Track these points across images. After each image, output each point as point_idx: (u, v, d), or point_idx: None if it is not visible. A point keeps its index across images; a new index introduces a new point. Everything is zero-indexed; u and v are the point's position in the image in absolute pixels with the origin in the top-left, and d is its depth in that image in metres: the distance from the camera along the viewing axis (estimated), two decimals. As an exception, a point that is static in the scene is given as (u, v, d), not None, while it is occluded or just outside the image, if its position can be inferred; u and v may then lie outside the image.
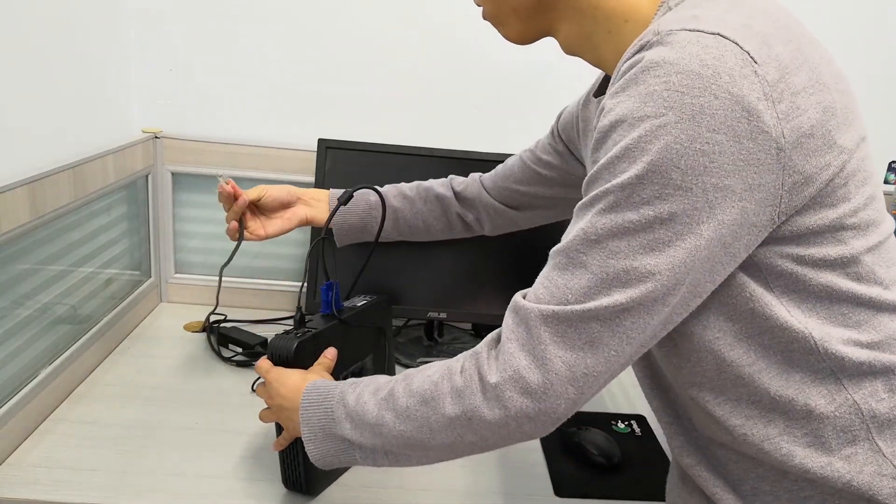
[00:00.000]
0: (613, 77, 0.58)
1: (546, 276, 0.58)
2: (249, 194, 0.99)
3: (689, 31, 0.52)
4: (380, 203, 1.03)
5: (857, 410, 0.57)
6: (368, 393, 0.68)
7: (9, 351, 0.92)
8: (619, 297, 0.54)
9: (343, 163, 1.25)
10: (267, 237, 1.01)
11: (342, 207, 1.02)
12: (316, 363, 0.84)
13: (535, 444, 1.03)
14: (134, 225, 1.30)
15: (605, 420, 1.10)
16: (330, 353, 0.86)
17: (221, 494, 0.86)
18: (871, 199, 0.57)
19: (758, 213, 0.53)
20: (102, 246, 1.17)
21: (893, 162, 1.28)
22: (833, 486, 0.58)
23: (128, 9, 1.27)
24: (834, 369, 0.57)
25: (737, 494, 0.64)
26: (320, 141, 1.25)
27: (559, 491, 0.93)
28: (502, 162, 1.06)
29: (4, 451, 0.89)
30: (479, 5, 0.74)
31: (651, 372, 0.72)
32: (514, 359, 0.57)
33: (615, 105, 0.54)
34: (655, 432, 1.08)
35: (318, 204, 1.05)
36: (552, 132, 0.97)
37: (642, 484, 0.96)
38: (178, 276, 1.41)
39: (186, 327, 1.30)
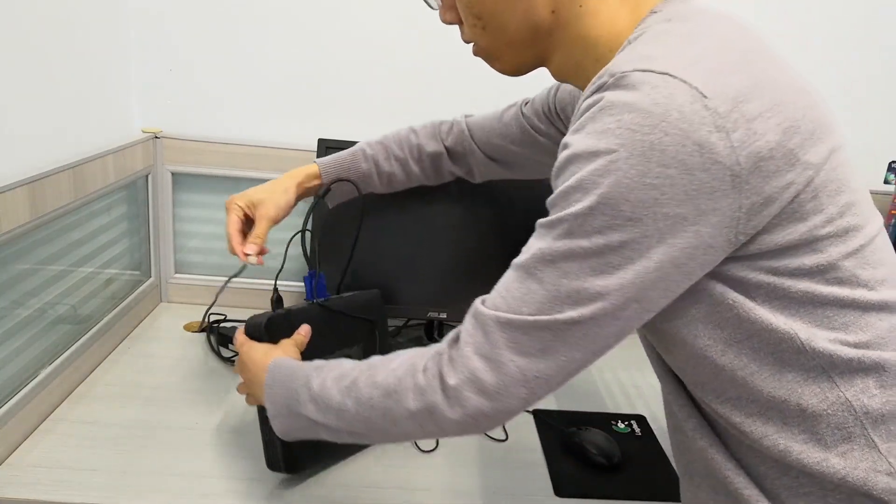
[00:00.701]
0: (574, 114, 0.61)
1: (505, 287, 0.62)
2: (260, 233, 0.97)
3: (641, 71, 0.55)
4: (371, 172, 1.04)
5: (849, 408, 0.58)
6: (331, 379, 0.71)
7: (9, 351, 0.92)
8: (570, 313, 0.57)
9: (343, 163, 1.25)
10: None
11: (337, 168, 1.03)
12: (287, 339, 0.87)
13: (536, 444, 1.03)
14: (134, 225, 1.30)
15: (605, 420, 1.10)
16: (303, 330, 0.89)
17: (221, 495, 0.86)
18: (848, 206, 0.58)
19: (714, 236, 0.55)
20: (102, 246, 1.17)
21: (893, 162, 1.28)
22: (830, 481, 0.58)
23: (128, 8, 1.26)
24: (825, 367, 0.58)
25: (749, 479, 0.64)
26: (320, 141, 1.25)
27: (559, 491, 0.93)
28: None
29: (4, 451, 0.89)
30: (467, 41, 0.75)
31: (664, 362, 0.72)
32: (471, 361, 0.61)
33: (573, 141, 0.57)
34: (656, 432, 1.08)
35: (310, 175, 1.04)
36: (551, 108, 0.96)
37: (642, 484, 0.96)
38: (178, 276, 1.41)
39: (186, 327, 1.30)
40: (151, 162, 1.31)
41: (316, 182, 1.04)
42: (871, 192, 1.40)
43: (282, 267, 1.02)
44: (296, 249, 1.41)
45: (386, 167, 1.05)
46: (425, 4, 0.77)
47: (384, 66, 1.33)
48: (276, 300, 0.94)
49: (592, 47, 0.67)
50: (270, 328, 0.87)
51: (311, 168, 1.04)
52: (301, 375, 0.74)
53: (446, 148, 1.06)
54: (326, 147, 1.25)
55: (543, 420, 1.09)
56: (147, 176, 1.32)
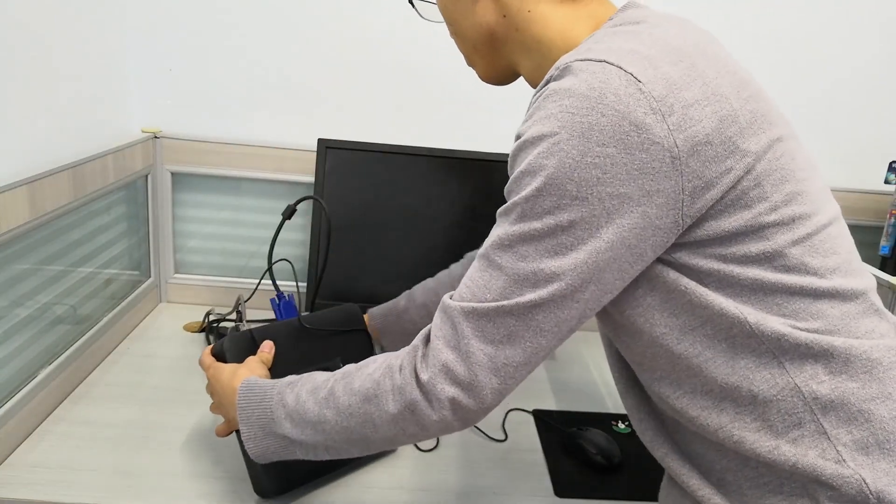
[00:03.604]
0: (528, 108, 0.64)
1: (469, 277, 0.63)
2: None
3: (581, 60, 0.58)
4: (411, 309, 1.07)
5: (798, 393, 0.59)
6: (306, 392, 0.71)
7: (8, 351, 0.92)
8: (530, 295, 0.59)
9: (343, 163, 1.25)
10: None
11: (375, 324, 1.08)
12: (252, 357, 0.87)
13: (536, 445, 1.03)
14: (133, 225, 1.30)
15: (605, 420, 1.10)
16: (266, 347, 0.89)
17: (220, 495, 0.86)
18: (793, 195, 0.60)
19: (660, 217, 0.57)
20: (102, 246, 1.17)
21: (894, 162, 1.28)
22: (783, 469, 0.60)
23: (128, 8, 1.26)
24: (775, 352, 0.60)
25: (706, 478, 0.66)
26: (320, 141, 1.25)
27: (559, 491, 0.93)
28: (502, 163, 1.06)
29: (4, 451, 0.89)
30: (460, 50, 0.80)
31: (627, 373, 0.75)
32: (442, 354, 0.62)
33: (524, 130, 0.60)
34: (656, 432, 1.08)
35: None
36: None
37: (642, 484, 0.95)
38: (177, 276, 1.41)
39: (186, 328, 1.30)
40: (151, 162, 1.31)
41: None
42: (872, 193, 1.40)
43: (257, 285, 1.02)
44: (294, 251, 1.41)
45: (427, 307, 1.07)
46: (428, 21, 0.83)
47: (384, 65, 1.33)
48: (238, 317, 0.94)
49: (549, 52, 0.70)
50: (231, 347, 0.87)
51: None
52: (274, 394, 0.73)
53: None
54: (326, 147, 1.25)
55: (543, 420, 1.09)
56: (146, 176, 1.31)
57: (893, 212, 1.28)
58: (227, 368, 0.83)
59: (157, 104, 1.33)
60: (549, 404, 1.15)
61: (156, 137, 1.31)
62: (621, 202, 0.56)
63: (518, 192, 0.60)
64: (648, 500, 0.93)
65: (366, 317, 1.10)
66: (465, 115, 1.36)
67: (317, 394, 0.70)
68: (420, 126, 1.36)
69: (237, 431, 0.82)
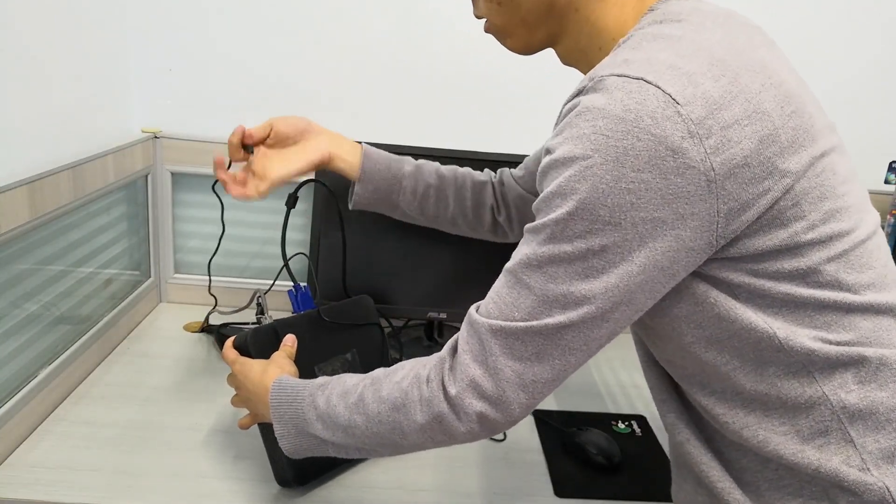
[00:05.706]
0: (557, 118, 0.63)
1: (497, 293, 0.62)
2: (256, 132, 0.93)
3: (617, 76, 0.56)
4: (412, 175, 0.96)
5: (826, 402, 0.59)
6: (337, 396, 0.71)
7: (8, 351, 0.92)
8: (560, 317, 0.58)
9: (343, 163, 1.24)
10: (273, 184, 0.90)
11: (368, 166, 0.94)
12: (276, 352, 0.86)
13: (536, 444, 1.03)
14: (133, 225, 1.30)
15: (605, 420, 1.10)
16: (289, 341, 0.89)
17: (221, 495, 0.86)
18: (832, 213, 0.58)
19: (694, 239, 0.56)
20: (102, 246, 1.17)
21: (894, 162, 1.28)
22: (805, 472, 0.60)
23: (128, 8, 1.26)
24: (805, 363, 0.59)
25: (725, 471, 0.65)
26: (320, 141, 1.25)
27: (559, 491, 0.93)
28: (503, 163, 1.06)
29: (4, 451, 0.89)
30: (480, 17, 0.76)
31: (651, 353, 0.74)
32: (469, 369, 0.62)
33: (555, 146, 0.58)
34: (656, 433, 1.08)
35: (351, 151, 0.96)
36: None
37: (642, 484, 0.96)
38: (177, 276, 1.41)
39: (186, 327, 1.30)
40: (151, 162, 1.31)
41: (347, 173, 0.96)
42: (872, 193, 1.40)
43: (273, 282, 1.02)
44: (294, 249, 1.41)
45: (428, 179, 0.98)
46: None
47: (385, 65, 1.33)
48: (258, 310, 0.93)
49: (597, 35, 0.68)
50: (256, 342, 0.87)
51: (357, 157, 0.95)
52: (305, 395, 0.73)
53: (493, 183, 1.00)
54: (326, 147, 1.24)
55: (544, 420, 1.09)
56: (147, 176, 1.31)
57: (893, 212, 1.28)
58: (256, 366, 0.82)
59: (157, 104, 1.33)
60: (549, 404, 1.15)
61: (156, 137, 1.31)
62: (654, 226, 0.55)
63: (548, 213, 0.58)
64: (648, 500, 0.93)
65: (359, 147, 0.96)
66: (466, 115, 1.36)
67: (347, 398, 0.70)
68: (420, 126, 1.36)
69: (262, 425, 0.84)
